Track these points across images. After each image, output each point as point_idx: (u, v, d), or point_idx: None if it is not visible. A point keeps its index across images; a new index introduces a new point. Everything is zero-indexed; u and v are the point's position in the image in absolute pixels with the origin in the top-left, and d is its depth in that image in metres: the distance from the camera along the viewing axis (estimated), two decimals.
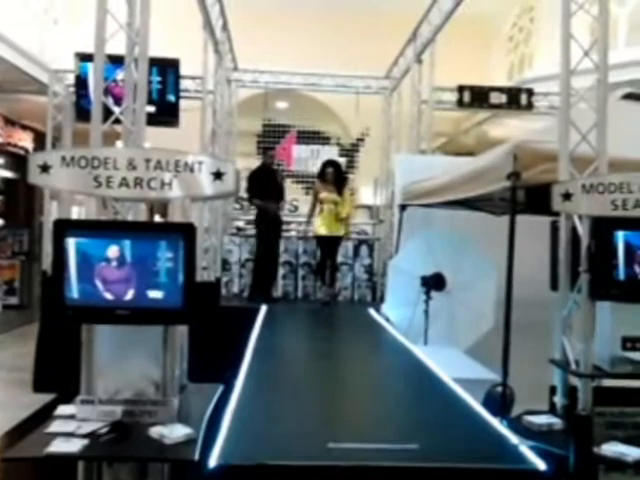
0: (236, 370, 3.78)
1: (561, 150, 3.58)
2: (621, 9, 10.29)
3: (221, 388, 3.26)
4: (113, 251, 2.65)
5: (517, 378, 3.93)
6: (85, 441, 2.54)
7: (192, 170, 2.82)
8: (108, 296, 2.66)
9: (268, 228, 7.96)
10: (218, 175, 2.83)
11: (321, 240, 7.99)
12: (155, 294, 2.65)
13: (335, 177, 7.94)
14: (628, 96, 4.81)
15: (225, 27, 8.12)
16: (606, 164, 3.54)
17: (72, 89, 8.84)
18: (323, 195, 7.86)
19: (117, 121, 3.38)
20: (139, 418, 2.75)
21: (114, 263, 2.65)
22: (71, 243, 2.63)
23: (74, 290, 2.63)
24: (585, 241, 3.43)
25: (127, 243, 2.67)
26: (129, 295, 2.66)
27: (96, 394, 2.80)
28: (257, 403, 3.27)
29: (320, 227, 7.85)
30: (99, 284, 2.65)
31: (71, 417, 2.77)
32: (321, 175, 8.10)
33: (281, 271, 8.60)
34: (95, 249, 2.65)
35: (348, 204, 8.06)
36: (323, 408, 3.36)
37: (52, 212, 8.95)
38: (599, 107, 3.59)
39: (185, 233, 2.69)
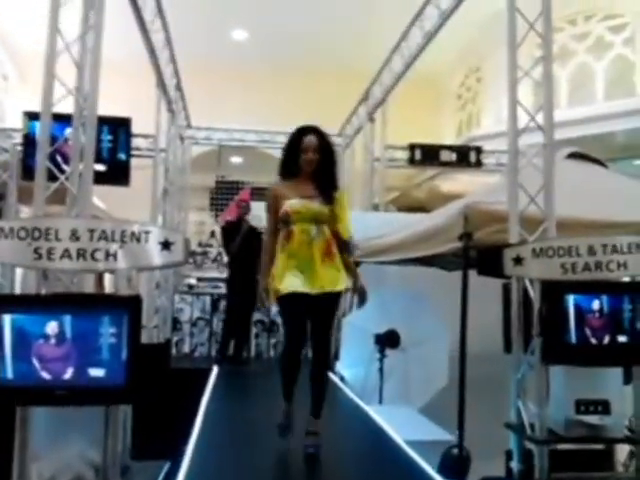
0: (184, 443, 3.60)
1: (511, 212, 3.62)
2: (562, 70, 10.78)
3: (167, 465, 3.10)
4: (52, 327, 2.51)
5: (473, 436, 3.85)
6: None
7: (139, 240, 2.74)
8: (45, 375, 2.50)
9: (244, 289, 6.79)
10: (166, 245, 2.75)
11: (293, 304, 3.36)
12: (96, 372, 2.52)
13: (321, 163, 3.45)
14: (573, 155, 4.95)
15: (179, 86, 8.12)
16: (554, 225, 3.59)
17: (19, 147, 8.65)
18: (292, 204, 3.39)
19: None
20: None
21: (53, 340, 2.51)
22: (7, 320, 2.48)
23: (8, 370, 2.47)
24: (537, 305, 3.45)
25: (67, 318, 2.54)
26: (68, 374, 2.51)
27: None
28: None
29: (287, 277, 3.34)
30: (36, 363, 2.49)
31: None
32: (290, 160, 3.49)
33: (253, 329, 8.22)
34: (33, 325, 2.51)
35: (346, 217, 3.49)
36: None
37: None
38: (546, 169, 3.66)
39: (130, 307, 2.58)
